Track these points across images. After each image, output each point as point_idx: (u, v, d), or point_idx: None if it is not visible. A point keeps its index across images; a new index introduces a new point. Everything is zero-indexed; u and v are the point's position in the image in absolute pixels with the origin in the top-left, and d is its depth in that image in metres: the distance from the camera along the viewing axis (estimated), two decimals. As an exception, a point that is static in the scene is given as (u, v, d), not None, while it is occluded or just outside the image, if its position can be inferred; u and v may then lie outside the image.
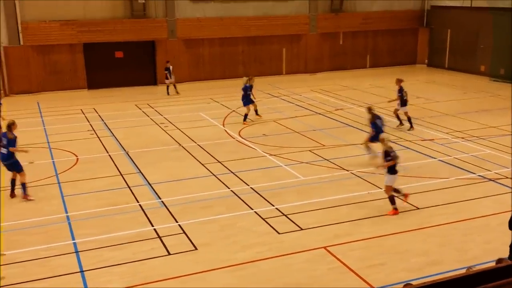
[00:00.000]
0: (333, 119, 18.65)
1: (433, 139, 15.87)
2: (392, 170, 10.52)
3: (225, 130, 17.34)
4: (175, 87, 23.50)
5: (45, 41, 23.75)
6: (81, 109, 20.55)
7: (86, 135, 16.87)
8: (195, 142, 15.84)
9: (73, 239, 9.65)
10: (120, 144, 15.76)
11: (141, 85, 25.51)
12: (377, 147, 12.69)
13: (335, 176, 12.84)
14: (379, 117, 13.96)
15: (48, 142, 16.06)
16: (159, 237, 9.70)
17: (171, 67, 23.22)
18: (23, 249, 9.26)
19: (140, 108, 20.74)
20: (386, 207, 10.82)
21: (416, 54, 31.45)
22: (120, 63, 25.37)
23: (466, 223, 10.23)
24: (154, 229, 10.00)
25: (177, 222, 10.31)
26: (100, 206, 11.14)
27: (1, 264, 8.73)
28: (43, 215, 10.68)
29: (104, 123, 18.41)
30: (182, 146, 15.48)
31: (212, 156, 14.46)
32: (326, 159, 14.09)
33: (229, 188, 12.06)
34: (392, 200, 10.61)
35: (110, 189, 12.13)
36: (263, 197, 11.53)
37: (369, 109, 14.03)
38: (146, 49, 25.97)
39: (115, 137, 16.56)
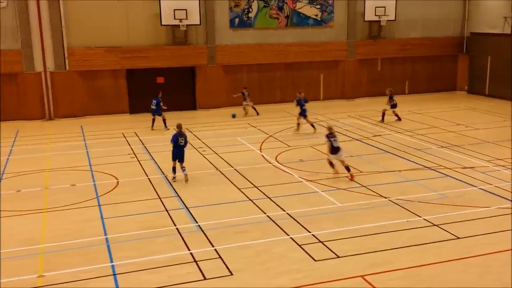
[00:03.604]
0: (371, 145, 18.49)
1: (473, 167, 15.50)
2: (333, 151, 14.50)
3: (262, 155, 17.44)
4: (254, 109, 24.66)
5: (89, 66, 24.63)
6: (122, 133, 21.09)
7: (127, 158, 17.27)
8: (232, 167, 15.97)
9: (112, 261, 9.82)
10: (159, 168, 16.04)
11: (181, 110, 25.99)
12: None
13: (373, 203, 12.68)
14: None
15: (90, 165, 16.51)
16: (195, 261, 9.76)
17: (246, 93, 24.52)
18: (63, 270, 9.47)
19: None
20: (427, 236, 10.62)
21: (455, 81, 30.99)
22: (161, 88, 25.94)
23: (507, 254, 9.89)
24: (191, 253, 10.08)
25: (213, 246, 10.37)
26: (138, 229, 11.32)
27: (41, 285, 8.96)
28: (83, 237, 10.93)
29: (144, 146, 18.81)
30: (219, 171, 15.63)
31: (249, 181, 14.54)
32: (363, 186, 13.95)
33: (265, 214, 12.07)
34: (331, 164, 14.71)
35: (148, 212, 12.34)
36: (299, 223, 11.48)
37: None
38: (186, 74, 26.55)
39: (155, 161, 16.88)
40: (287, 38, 27.50)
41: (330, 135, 14.76)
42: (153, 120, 21.92)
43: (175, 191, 13.85)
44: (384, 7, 28.06)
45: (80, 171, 15.79)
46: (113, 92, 25.30)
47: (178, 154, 14.79)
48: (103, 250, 10.33)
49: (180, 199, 13.22)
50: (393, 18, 28.39)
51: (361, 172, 15.24)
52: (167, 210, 12.42)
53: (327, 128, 15.28)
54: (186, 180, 14.58)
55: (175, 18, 24.72)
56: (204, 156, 17.42)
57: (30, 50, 23.85)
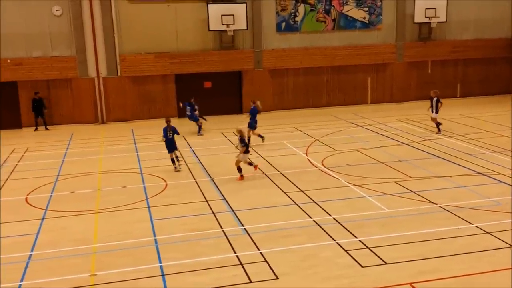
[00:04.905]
0: (421, 150, 18.08)
1: (530, 173, 14.89)
2: (246, 151, 15.12)
3: (308, 159, 17.37)
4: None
5: (140, 72, 25.30)
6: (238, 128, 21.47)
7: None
8: (278, 170, 15.99)
9: (160, 262, 10.03)
10: (206, 171, 16.26)
11: (228, 113, 26.27)
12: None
13: (422, 209, 12.40)
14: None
15: (140, 168, 16.93)
16: (241, 264, 9.83)
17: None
18: (113, 270, 9.75)
19: (225, 136, 21.33)
20: (479, 243, 10.30)
21: (510, 84, 29.86)
22: (208, 92, 26.36)
23: None
24: (237, 256, 10.16)
25: (258, 250, 10.42)
26: (185, 230, 11.51)
27: (93, 284, 9.26)
28: (133, 238, 11.21)
29: (192, 150, 19.11)
30: (266, 174, 15.68)
31: (295, 185, 14.52)
32: (412, 191, 13.66)
33: (311, 218, 12.02)
34: (239, 170, 15.03)
35: (195, 215, 12.52)
36: (345, 228, 11.36)
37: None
38: (233, 79, 26.82)
39: (202, 164, 17.13)
40: (334, 41, 27.32)
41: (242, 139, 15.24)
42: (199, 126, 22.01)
43: (222, 194, 14.00)
44: (435, 8, 27.39)
45: (130, 174, 16.22)
46: (162, 97, 25.87)
47: (170, 145, 16.32)
48: (152, 251, 10.56)
49: (227, 202, 13.35)
50: (444, 20, 27.69)
51: (410, 177, 14.93)
52: (213, 213, 12.57)
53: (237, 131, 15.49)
54: (178, 170, 16.14)
55: (222, 23, 25.02)
56: (250, 160, 17.50)
57: (84, 56, 24.73)
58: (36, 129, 24.07)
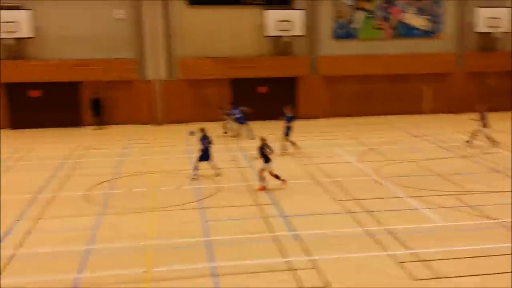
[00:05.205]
0: (480, 164, 17.48)
1: None
2: (266, 159, 14.47)
3: (362, 168, 17.16)
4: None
5: (197, 75, 25.84)
6: (224, 140, 21.79)
7: (228, 164, 17.82)
8: (331, 178, 15.89)
9: (211, 263, 10.17)
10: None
11: (280, 119, 26.28)
12: None
13: (479, 225, 11.98)
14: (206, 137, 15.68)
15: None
16: (291, 270, 9.84)
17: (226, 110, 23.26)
18: (166, 267, 9.97)
19: (279, 141, 21.36)
20: (538, 263, 9.87)
21: None
22: (263, 98, 26.55)
23: None
24: (287, 261, 10.18)
25: (308, 256, 10.39)
26: (236, 233, 11.64)
27: (146, 280, 9.52)
28: (185, 237, 11.44)
29: (244, 154, 19.28)
30: (317, 181, 15.61)
31: (347, 193, 14.38)
32: (470, 206, 13.23)
33: (363, 227, 11.88)
34: (261, 178, 14.49)
35: (246, 218, 12.64)
36: (398, 239, 11.15)
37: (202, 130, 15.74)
38: (287, 85, 26.89)
39: (253, 168, 17.24)
40: (392, 49, 26.92)
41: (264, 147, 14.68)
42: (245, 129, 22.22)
43: (273, 199, 14.06)
44: (497, 18, 26.44)
45: (185, 174, 16.55)
46: (217, 101, 26.23)
47: (206, 155, 16.03)
48: (204, 251, 10.73)
49: (278, 207, 13.39)
50: (508, 30, 26.68)
51: (467, 191, 14.47)
52: (264, 217, 12.64)
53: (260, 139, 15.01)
54: (195, 178, 15.72)
55: (279, 29, 25.17)
56: (302, 165, 17.51)
57: (143, 59, 25.52)
58: (95, 128, 25.03)
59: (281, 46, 26.15)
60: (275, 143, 19.50)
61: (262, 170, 14.69)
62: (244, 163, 18.03)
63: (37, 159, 19.04)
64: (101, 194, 14.73)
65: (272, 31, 25.35)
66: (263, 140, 14.80)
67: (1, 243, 11.13)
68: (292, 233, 11.63)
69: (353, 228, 11.88)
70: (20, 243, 11.16)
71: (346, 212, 12.90)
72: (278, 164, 17.74)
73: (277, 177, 14.77)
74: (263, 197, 14.26)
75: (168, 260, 10.28)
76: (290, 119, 19.31)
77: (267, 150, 14.60)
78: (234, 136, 22.29)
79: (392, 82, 27.35)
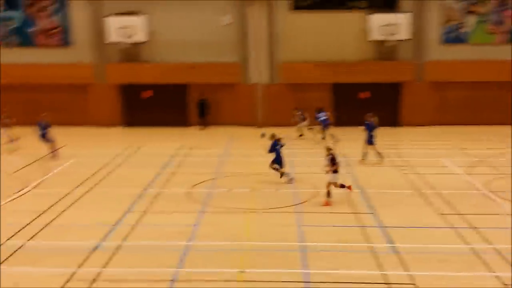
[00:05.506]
0: None
1: None
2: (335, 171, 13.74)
3: (469, 180, 16.19)
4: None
5: (298, 80, 25.92)
6: (325, 145, 21.59)
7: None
8: (434, 190, 15.17)
9: (306, 269, 10.13)
10: (357, 183, 16.05)
11: (383, 125, 25.61)
12: None
13: None
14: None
15: (293, 173, 17.26)
16: (387, 283, 9.52)
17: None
18: (260, 269, 10.09)
19: (381, 149, 20.80)
20: None
21: None
22: (364, 103, 26.01)
23: None
24: (382, 274, 9.87)
25: (406, 271, 9.98)
26: (332, 241, 11.48)
27: (241, 280, 9.70)
28: (280, 241, 11.50)
29: (345, 160, 18.95)
30: (420, 192, 14.98)
31: (452, 207, 13.64)
32: None
33: (468, 245, 11.19)
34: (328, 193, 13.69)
35: (343, 226, 12.44)
36: (507, 260, 10.36)
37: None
38: (390, 90, 26.13)
39: (352, 175, 16.94)
40: (505, 55, 25.10)
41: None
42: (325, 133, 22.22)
43: (372, 208, 13.71)
44: None
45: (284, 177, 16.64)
46: (318, 105, 26.06)
47: (281, 159, 15.93)
48: (298, 256, 10.73)
49: (377, 217, 13.04)
50: None
51: None
52: (362, 226, 12.36)
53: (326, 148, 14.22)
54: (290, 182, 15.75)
55: (383, 34, 24.54)
56: (404, 175, 16.89)
57: (247, 63, 26.11)
58: (200, 129, 26.06)
59: (385, 50, 25.48)
60: (374, 151, 19.05)
61: (330, 183, 13.88)
62: (343, 169, 17.74)
63: (146, 156, 20.19)
64: (203, 192, 15.27)
65: (376, 35, 24.78)
66: (329, 150, 14.02)
67: (110, 234, 11.93)
68: (390, 245, 11.25)
69: (457, 244, 11.24)
70: (127, 234, 11.89)
71: (450, 227, 12.23)
72: (378, 173, 17.34)
73: (342, 186, 14.10)
74: (361, 205, 13.96)
75: (263, 262, 10.40)
76: (371, 127, 18.63)
77: (335, 160, 13.81)
78: (322, 139, 22.15)
79: (504, 90, 25.51)
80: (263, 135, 16.75)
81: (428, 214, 13.22)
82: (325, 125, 22.33)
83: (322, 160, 14.17)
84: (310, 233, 11.96)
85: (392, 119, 26.17)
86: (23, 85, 26.12)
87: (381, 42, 25.22)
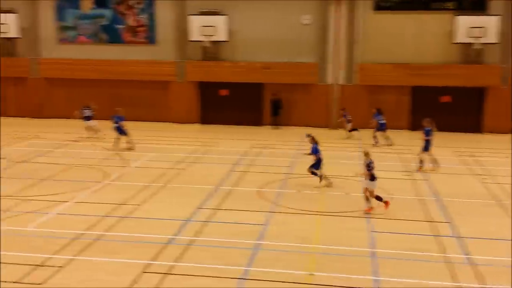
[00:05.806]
0: None
1: None
2: (372, 178, 13.14)
3: (557, 194, 15.18)
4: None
5: (376, 81, 25.41)
6: (399, 149, 21.10)
7: (399, 175, 17.24)
8: (517, 201, 14.38)
9: (376, 276, 9.96)
10: (433, 190, 15.52)
11: (463, 131, 24.62)
12: None
13: None
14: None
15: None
16: (462, 296, 9.17)
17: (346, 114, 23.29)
18: (329, 273, 10.00)
19: (460, 156, 20.01)
20: None
21: None
22: (445, 107, 25.09)
23: None
24: (456, 286, 9.50)
25: (482, 284, 9.55)
26: (403, 248, 11.20)
27: (310, 283, 9.71)
28: (350, 245, 11.36)
29: (419, 165, 18.38)
30: (500, 203, 14.23)
31: (536, 221, 12.86)
32: None
33: (552, 262, 10.51)
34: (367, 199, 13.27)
35: (416, 234, 12.08)
36: None
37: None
38: (474, 95, 25.01)
39: (429, 182, 16.40)
40: None
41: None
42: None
43: (448, 217, 13.21)
44: None
45: (353, 181, 16.42)
46: (394, 108, 25.49)
47: (318, 164, 15.82)
48: (368, 262, 10.56)
49: (453, 226, 12.55)
50: None
51: None
52: (436, 235, 11.95)
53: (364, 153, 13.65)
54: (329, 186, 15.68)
55: (470, 36, 23.51)
56: (484, 184, 16.12)
57: (325, 64, 25.95)
58: (273, 128, 26.25)
59: (470, 53, 24.37)
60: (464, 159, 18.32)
61: (367, 189, 13.42)
62: (419, 176, 17.24)
63: (220, 153, 20.64)
64: (273, 192, 15.39)
65: (462, 37, 23.76)
66: (367, 154, 13.50)
67: (182, 229, 12.34)
68: (466, 256, 10.80)
69: (540, 261, 10.59)
70: (199, 230, 12.25)
71: (533, 242, 11.55)
72: (456, 181, 16.65)
73: (378, 198, 13.49)
74: (436, 213, 13.49)
75: (332, 266, 10.33)
76: (428, 133, 17.85)
77: (371, 166, 13.26)
78: (388, 144, 21.81)
79: None
80: (308, 136, 16.69)
81: (508, 226, 12.55)
82: (382, 128, 21.86)
83: (374, 164, 13.59)
84: (381, 239, 11.74)
85: (474, 125, 25.03)
86: (109, 80, 27.52)
87: (467, 45, 24.15)
